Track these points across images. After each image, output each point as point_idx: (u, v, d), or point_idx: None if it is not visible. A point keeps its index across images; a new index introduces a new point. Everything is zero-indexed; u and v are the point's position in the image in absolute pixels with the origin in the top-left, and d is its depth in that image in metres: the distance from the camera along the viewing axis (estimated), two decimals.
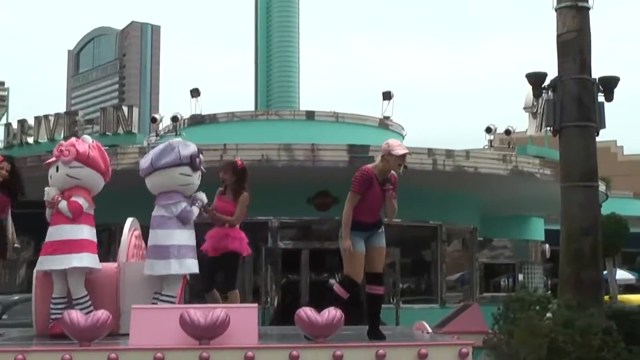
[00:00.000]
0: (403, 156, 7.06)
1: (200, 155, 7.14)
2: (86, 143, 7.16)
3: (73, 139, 7.23)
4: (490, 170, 17.32)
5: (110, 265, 7.48)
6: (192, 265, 6.93)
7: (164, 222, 6.99)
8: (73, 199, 6.93)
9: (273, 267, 17.94)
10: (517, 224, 24.50)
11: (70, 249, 6.84)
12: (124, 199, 16.42)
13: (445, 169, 16.75)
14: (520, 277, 24.49)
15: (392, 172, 7.09)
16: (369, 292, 7.16)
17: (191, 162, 7.03)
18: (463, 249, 21.36)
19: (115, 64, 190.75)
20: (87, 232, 6.95)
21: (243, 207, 8.27)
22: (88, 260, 6.89)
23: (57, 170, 7.05)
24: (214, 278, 8.17)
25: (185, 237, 6.98)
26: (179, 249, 6.89)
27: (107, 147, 17.24)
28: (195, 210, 7.10)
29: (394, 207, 7.13)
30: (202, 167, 7.18)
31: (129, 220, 7.79)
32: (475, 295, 20.74)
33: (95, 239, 7.05)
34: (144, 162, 7.19)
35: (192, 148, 7.09)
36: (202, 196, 7.19)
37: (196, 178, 7.13)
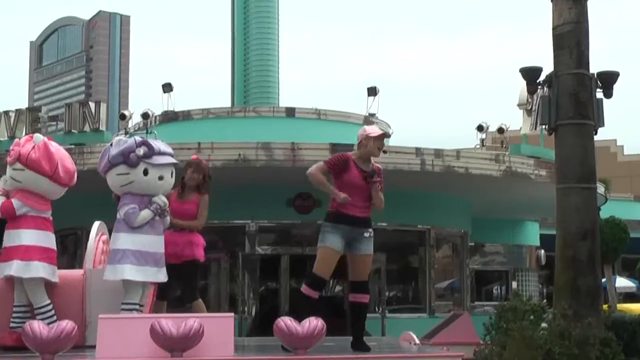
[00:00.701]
0: (380, 138, 7.15)
1: (141, 149, 6.93)
2: (33, 143, 7.07)
3: (22, 139, 7.17)
4: (482, 171, 17.38)
5: (76, 272, 7.45)
6: (126, 271, 6.81)
7: (115, 225, 7.01)
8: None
9: (251, 274, 17.93)
10: (511, 228, 24.61)
11: (9, 256, 6.79)
12: (91, 201, 16.31)
13: (434, 170, 16.80)
14: (514, 284, 24.59)
15: (376, 164, 7.14)
16: (353, 301, 7.17)
17: (124, 160, 6.93)
18: (453, 255, 21.42)
19: (82, 57, 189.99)
20: (29, 237, 6.86)
21: (206, 209, 8.26)
22: (19, 268, 6.78)
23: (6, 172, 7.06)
24: (171, 287, 8.11)
25: (130, 241, 6.89)
26: (122, 254, 6.84)
27: (72, 146, 17.49)
28: (145, 214, 6.92)
29: (381, 199, 7.16)
30: (151, 160, 6.90)
31: (96, 224, 7.77)
32: (465, 304, 20.81)
33: (48, 245, 6.97)
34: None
35: (125, 144, 6.97)
36: (159, 199, 7.03)
37: (138, 174, 6.91)
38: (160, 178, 7.03)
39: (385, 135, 7.21)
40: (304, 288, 7.00)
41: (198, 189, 8.15)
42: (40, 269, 6.82)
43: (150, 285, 7.18)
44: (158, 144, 7.12)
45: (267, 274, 18.49)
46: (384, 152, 7.18)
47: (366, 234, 7.08)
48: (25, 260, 6.80)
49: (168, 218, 7.23)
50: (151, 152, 6.97)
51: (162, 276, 7.07)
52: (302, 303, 6.93)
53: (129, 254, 6.84)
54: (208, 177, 8.33)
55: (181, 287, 8.24)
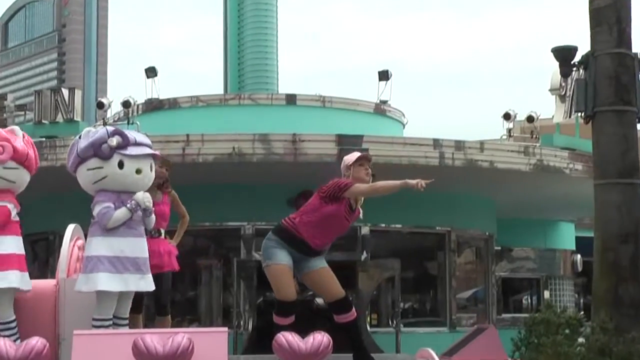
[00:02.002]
0: (358, 162, 7.09)
1: (113, 138, 6.84)
2: (18, 137, 7.09)
3: (2, 131, 7.15)
4: (509, 165, 17.36)
5: (48, 282, 7.45)
6: (100, 281, 6.77)
7: (89, 229, 6.98)
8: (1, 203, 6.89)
9: (247, 283, 17.91)
10: (542, 230, 24.58)
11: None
12: (64, 201, 16.33)
13: (455, 164, 16.79)
14: (546, 294, 24.58)
15: (361, 202, 7.08)
16: (339, 323, 7.14)
17: (95, 152, 6.87)
18: (476, 261, 21.40)
19: (53, 37, 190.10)
20: (13, 244, 6.88)
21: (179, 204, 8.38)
22: (16, 279, 6.82)
23: None
24: (145, 298, 8.12)
25: (105, 245, 6.83)
26: (96, 261, 6.80)
27: (43, 139, 17.51)
28: (120, 214, 6.85)
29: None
30: (126, 151, 6.83)
31: (70, 227, 7.76)
32: (491, 316, 20.80)
33: (22, 251, 7.00)
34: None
35: (95, 134, 6.93)
36: (139, 196, 6.92)
37: (112, 167, 6.86)
38: (138, 171, 6.96)
39: (363, 156, 7.12)
40: (275, 318, 7.03)
41: (160, 187, 8.15)
42: (14, 279, 6.84)
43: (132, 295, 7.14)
44: (133, 134, 7.06)
45: (265, 283, 18.46)
46: (373, 175, 7.08)
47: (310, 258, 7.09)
48: (17, 271, 6.84)
49: (153, 217, 7.17)
50: (126, 142, 6.90)
51: (145, 284, 6.98)
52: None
53: (104, 261, 6.79)
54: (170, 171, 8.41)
55: (155, 300, 8.26)
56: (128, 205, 6.88)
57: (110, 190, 6.93)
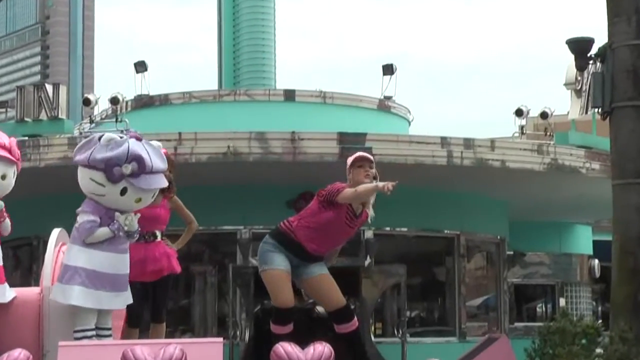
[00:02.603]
0: (357, 162, 7.03)
1: (129, 165, 6.68)
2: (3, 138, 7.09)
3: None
4: (522, 164, 17.37)
5: (31, 291, 7.45)
6: (74, 295, 6.75)
7: (72, 234, 6.97)
8: None
9: (243, 291, 17.90)
10: (557, 233, 24.59)
11: None
12: (49, 204, 16.40)
13: (464, 163, 16.79)
14: (562, 301, 24.59)
15: (369, 206, 6.99)
16: (340, 334, 7.13)
17: (105, 169, 6.79)
18: (487, 266, 21.40)
19: (36, 30, 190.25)
20: None
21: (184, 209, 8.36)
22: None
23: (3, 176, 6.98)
24: (144, 310, 8.13)
25: (85, 257, 6.80)
26: (73, 272, 6.78)
27: (26, 138, 17.50)
28: (101, 233, 6.81)
29: (337, 251, 7.15)
30: (136, 182, 6.72)
31: (55, 232, 7.74)
32: (503, 325, 20.81)
33: None
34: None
35: (113, 152, 6.79)
36: (121, 219, 6.85)
37: (114, 192, 6.80)
38: (138, 200, 6.95)
39: (360, 157, 7.04)
40: (273, 327, 7.03)
41: (162, 190, 8.09)
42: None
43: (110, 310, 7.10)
44: (153, 159, 6.89)
45: (263, 290, 18.44)
46: (375, 177, 7.01)
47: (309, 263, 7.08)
48: None
49: (135, 238, 7.15)
50: (141, 170, 6.81)
51: (119, 302, 6.97)
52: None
53: (81, 273, 6.78)
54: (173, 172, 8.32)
55: (154, 306, 8.26)
56: (112, 228, 6.84)
57: (101, 204, 6.91)
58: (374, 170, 7.09)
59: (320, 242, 6.98)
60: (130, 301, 7.10)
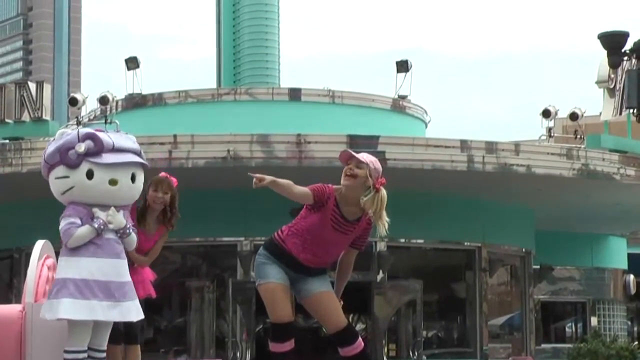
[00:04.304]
0: (341, 158, 6.97)
1: (82, 144, 6.76)
2: None
3: None
4: (550, 170, 17.37)
5: (12, 308, 7.45)
6: (62, 308, 6.73)
7: (61, 248, 6.96)
8: None
9: (244, 308, 17.94)
10: (589, 245, 24.56)
11: None
12: (32, 213, 16.39)
13: (486, 169, 16.79)
14: (593, 320, 24.54)
15: (369, 212, 6.91)
16: (346, 357, 7.11)
17: (61, 159, 6.84)
18: (511, 282, 21.38)
19: (18, 23, 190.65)
20: None
21: (162, 245, 8.22)
22: None
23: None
24: (125, 327, 8.15)
25: (72, 266, 6.79)
26: (61, 285, 6.77)
27: (7, 141, 17.53)
28: (83, 232, 6.79)
29: (350, 265, 7.10)
30: (97, 159, 6.77)
31: (39, 244, 7.74)
32: (529, 346, 20.78)
33: None
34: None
35: (63, 138, 6.90)
36: (104, 214, 6.86)
37: (79, 177, 6.82)
38: (112, 182, 6.90)
39: (343, 155, 6.98)
40: (271, 346, 7.00)
41: (163, 217, 8.02)
42: None
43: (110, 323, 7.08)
44: (114, 138, 6.97)
45: (265, 307, 18.49)
46: (353, 176, 6.94)
47: (308, 277, 7.04)
48: None
49: (133, 237, 7.11)
50: (99, 147, 6.82)
51: (118, 313, 6.91)
52: None
53: (69, 285, 6.74)
54: (175, 207, 8.14)
55: (127, 326, 8.28)
56: (95, 224, 6.82)
57: (81, 203, 6.89)
58: (359, 170, 6.94)
59: (311, 251, 6.94)
60: (136, 317, 7.03)
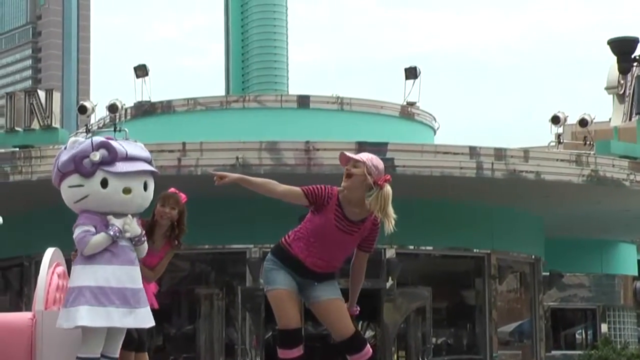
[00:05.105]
0: (340, 161, 6.95)
1: (97, 153, 6.79)
2: None
3: None
4: (559, 176, 17.35)
5: (22, 316, 7.46)
6: (80, 316, 6.73)
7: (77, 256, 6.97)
8: None
9: (253, 316, 17.94)
10: (598, 252, 24.51)
11: None
12: (42, 221, 16.43)
13: (495, 175, 16.77)
14: (604, 327, 24.48)
15: (375, 211, 6.86)
16: None
17: (76, 167, 6.85)
18: (521, 289, 21.34)
19: (27, 31, 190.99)
20: None
21: (168, 262, 8.22)
22: None
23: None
24: (136, 332, 8.18)
25: (88, 274, 6.80)
26: (77, 292, 6.77)
27: (17, 149, 17.56)
28: (98, 240, 6.79)
29: (362, 269, 7.07)
30: (111, 168, 6.79)
31: (49, 252, 7.75)
32: (539, 353, 20.74)
33: None
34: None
35: (77, 147, 6.90)
36: (120, 223, 6.87)
37: (93, 186, 6.83)
38: (126, 191, 6.95)
39: (343, 157, 6.95)
40: (280, 353, 6.99)
41: (170, 233, 8.01)
42: None
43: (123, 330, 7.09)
44: (126, 146, 7.00)
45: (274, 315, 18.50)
46: (349, 175, 6.92)
47: (316, 283, 7.03)
48: None
49: (145, 246, 7.14)
50: (112, 156, 6.86)
51: (133, 320, 6.94)
52: None
53: (85, 292, 6.76)
54: (183, 223, 8.13)
55: (138, 334, 8.31)
56: (110, 231, 6.85)
57: (95, 212, 6.92)
58: (356, 169, 6.92)
59: (317, 254, 6.91)
60: (149, 324, 7.06)
